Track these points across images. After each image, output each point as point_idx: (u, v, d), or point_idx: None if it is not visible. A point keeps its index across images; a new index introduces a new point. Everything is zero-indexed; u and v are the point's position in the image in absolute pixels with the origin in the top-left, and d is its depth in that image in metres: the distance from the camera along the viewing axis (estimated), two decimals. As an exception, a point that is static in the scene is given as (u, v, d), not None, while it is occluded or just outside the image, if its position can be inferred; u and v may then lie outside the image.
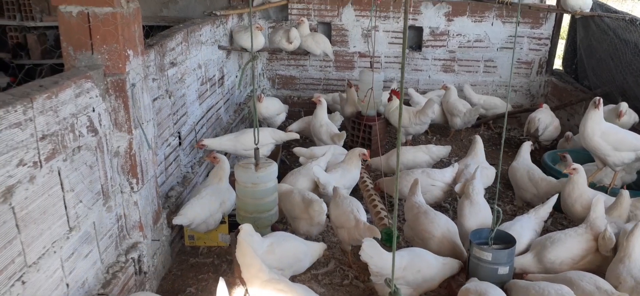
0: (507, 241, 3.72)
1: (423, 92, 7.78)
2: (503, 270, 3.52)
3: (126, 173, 3.47)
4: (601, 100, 4.71)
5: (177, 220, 3.99)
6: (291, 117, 6.97)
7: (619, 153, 4.72)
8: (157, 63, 4.08)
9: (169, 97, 4.41)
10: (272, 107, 6.42)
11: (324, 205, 4.11)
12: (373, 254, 3.43)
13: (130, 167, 3.47)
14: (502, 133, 7.46)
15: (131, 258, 3.51)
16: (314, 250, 3.85)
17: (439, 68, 7.89)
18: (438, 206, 5.11)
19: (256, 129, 3.65)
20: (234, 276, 3.79)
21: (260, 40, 6.31)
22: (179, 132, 4.71)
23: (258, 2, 6.89)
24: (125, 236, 3.57)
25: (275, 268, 3.56)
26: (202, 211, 4.11)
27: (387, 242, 4.44)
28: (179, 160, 4.71)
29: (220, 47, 5.99)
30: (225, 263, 4.30)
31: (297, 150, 5.50)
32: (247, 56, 7.05)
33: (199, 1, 7.49)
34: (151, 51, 3.97)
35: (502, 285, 3.49)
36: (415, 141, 6.81)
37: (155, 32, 4.68)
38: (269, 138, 5.48)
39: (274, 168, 3.79)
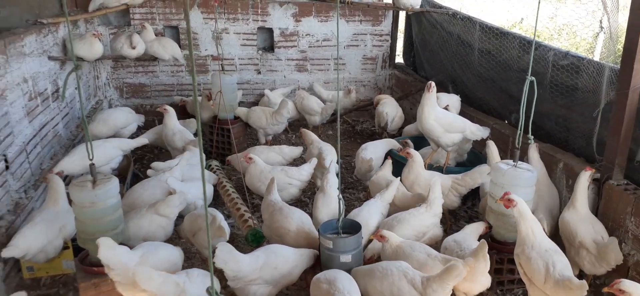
0: (357, 230, 3.84)
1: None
2: (345, 258, 3.64)
3: None
4: (433, 84, 5.13)
5: (7, 252, 3.58)
6: (146, 127, 6.61)
7: (449, 134, 5.25)
8: (-34, 80, 3.59)
9: (-13, 117, 3.91)
10: (121, 119, 6.01)
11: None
12: (227, 259, 3.40)
13: (-64, 201, 3.01)
14: (355, 126, 7.98)
15: (-53, 304, 3.05)
16: (182, 254, 3.85)
17: (293, 68, 8.08)
18: (298, 201, 5.24)
19: (89, 142, 3.38)
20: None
21: (97, 48, 5.87)
22: (4, 155, 4.20)
23: (94, 7, 6.40)
24: (-63, 280, 3.09)
25: None
26: (37, 239, 3.73)
27: (252, 243, 4.44)
28: (7, 186, 4.20)
29: (50, 57, 5.46)
30: (72, 292, 3.96)
31: (155, 165, 5.22)
32: (84, 65, 6.54)
33: (24, 9, 6.71)
34: (-44, 66, 3.48)
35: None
36: (276, 139, 6.90)
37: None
38: (115, 150, 5.17)
39: (113, 183, 3.55)
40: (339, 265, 3.63)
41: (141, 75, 7.61)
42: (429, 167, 5.36)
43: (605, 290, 3.01)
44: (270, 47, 8.00)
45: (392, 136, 6.79)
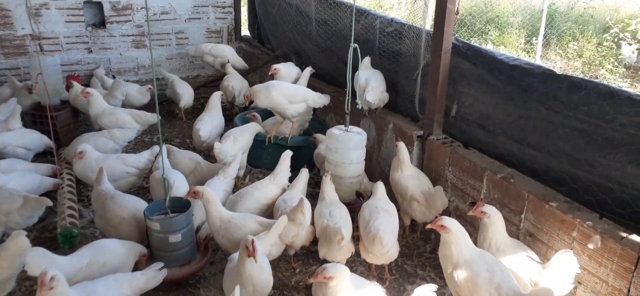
0: (187, 208, 3.66)
1: (118, 72, 7.37)
2: (175, 238, 3.49)
3: None
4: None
5: None
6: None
7: (294, 105, 5.27)
8: None
9: None
10: None
11: None
12: (43, 264, 3.04)
13: None
14: (204, 103, 7.66)
15: None
16: None
17: (130, 45, 7.50)
18: (140, 189, 4.91)
19: None
20: None
21: None
22: None
23: None
24: None
25: None
26: None
27: (64, 244, 4.00)
28: None
29: None
30: None
31: None
32: None
33: None
34: None
35: (181, 253, 3.54)
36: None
37: None
38: None
39: None
40: (169, 246, 3.48)
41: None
42: (275, 139, 5.37)
43: (428, 226, 3.22)
44: (101, 23, 7.31)
45: (243, 110, 6.68)
